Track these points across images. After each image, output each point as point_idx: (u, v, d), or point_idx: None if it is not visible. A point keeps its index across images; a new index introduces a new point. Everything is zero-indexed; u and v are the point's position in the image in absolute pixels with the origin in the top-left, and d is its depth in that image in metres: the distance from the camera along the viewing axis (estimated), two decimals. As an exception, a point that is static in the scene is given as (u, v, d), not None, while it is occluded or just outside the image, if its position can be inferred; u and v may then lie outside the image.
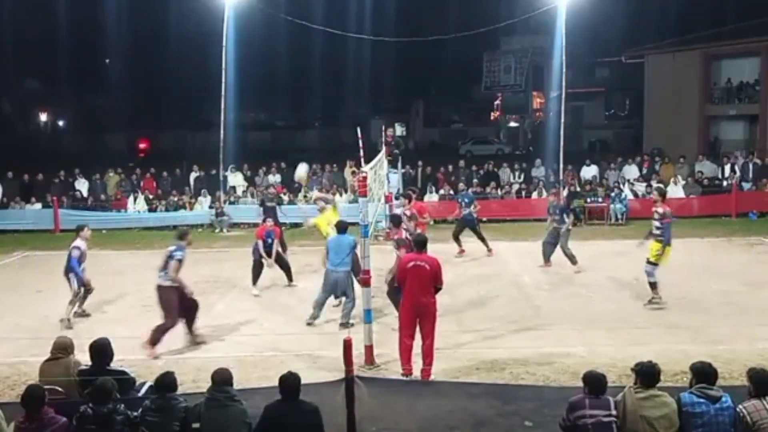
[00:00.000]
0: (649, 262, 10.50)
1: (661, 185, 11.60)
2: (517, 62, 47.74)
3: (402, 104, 54.53)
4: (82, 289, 10.72)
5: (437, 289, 7.95)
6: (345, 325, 9.80)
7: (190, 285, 9.37)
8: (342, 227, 10.37)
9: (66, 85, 51.04)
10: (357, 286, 9.61)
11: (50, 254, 16.51)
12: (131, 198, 20.79)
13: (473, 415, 5.86)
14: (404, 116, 52.96)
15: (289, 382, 5.33)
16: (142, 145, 50.47)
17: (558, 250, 13.30)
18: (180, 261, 9.06)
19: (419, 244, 8.26)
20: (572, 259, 13.21)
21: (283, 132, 56.56)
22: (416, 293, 7.82)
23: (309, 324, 10.06)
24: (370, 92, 51.03)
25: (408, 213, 12.23)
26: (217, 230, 19.11)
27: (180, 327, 9.22)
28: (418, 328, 7.89)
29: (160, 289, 9.11)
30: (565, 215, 13.35)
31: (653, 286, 10.52)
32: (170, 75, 49.71)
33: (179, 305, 9.12)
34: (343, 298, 10.28)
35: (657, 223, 10.42)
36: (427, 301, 7.86)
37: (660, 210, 10.42)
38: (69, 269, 10.55)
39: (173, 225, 19.75)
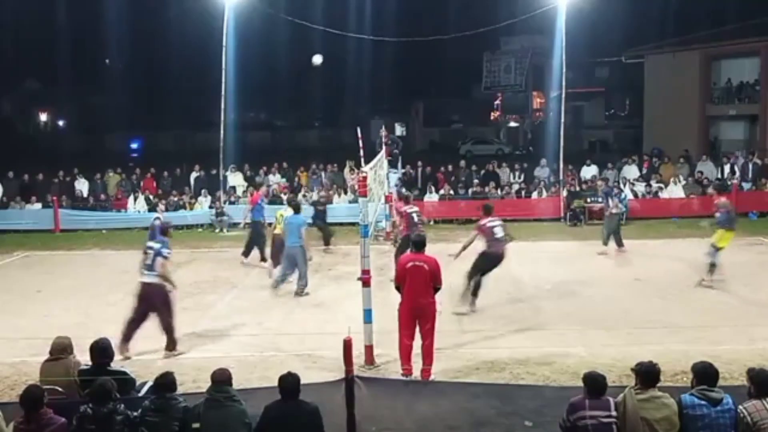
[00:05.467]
0: (711, 246, 11.58)
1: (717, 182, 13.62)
2: (517, 62, 47.68)
3: (402, 104, 54.48)
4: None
5: (436, 289, 7.91)
6: None
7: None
8: None
9: (66, 85, 51.08)
10: None
11: (50, 254, 16.53)
12: (131, 198, 20.79)
13: (473, 415, 5.84)
14: (404, 116, 52.90)
15: (289, 382, 5.31)
16: (135, 145, 50.41)
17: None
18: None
19: (418, 244, 8.17)
20: (605, 240, 14.24)
21: (283, 132, 56.57)
22: (415, 294, 7.77)
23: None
24: (370, 92, 51.09)
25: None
26: (217, 230, 19.10)
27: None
28: (417, 329, 7.87)
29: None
30: (609, 199, 14.39)
31: (711, 267, 11.42)
32: (170, 75, 49.80)
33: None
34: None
35: (717, 213, 11.93)
36: (426, 301, 7.81)
37: (716, 201, 12.21)
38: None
39: (173, 225, 19.78)
